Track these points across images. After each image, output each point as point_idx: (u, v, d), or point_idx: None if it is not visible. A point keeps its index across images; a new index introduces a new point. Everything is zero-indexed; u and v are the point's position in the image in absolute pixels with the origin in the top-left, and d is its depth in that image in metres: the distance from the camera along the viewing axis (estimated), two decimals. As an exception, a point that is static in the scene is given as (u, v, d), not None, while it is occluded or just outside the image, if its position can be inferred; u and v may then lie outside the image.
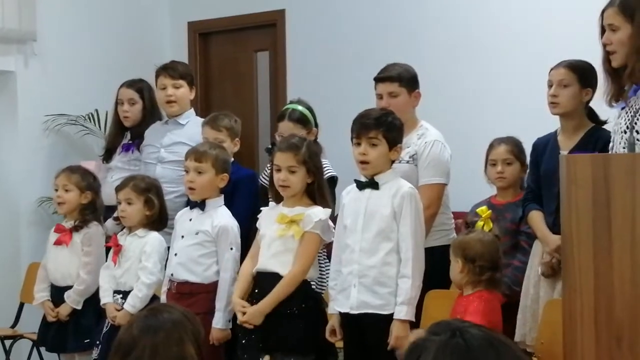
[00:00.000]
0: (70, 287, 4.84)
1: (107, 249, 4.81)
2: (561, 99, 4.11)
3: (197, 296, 4.31)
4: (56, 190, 4.92)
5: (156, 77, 5.26)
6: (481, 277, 3.76)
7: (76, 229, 4.88)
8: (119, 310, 4.48)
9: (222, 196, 4.46)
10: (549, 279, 4.06)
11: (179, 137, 5.09)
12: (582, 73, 4.10)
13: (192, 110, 5.33)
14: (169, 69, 5.22)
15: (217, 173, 4.40)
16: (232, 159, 4.87)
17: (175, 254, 4.40)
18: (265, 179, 4.78)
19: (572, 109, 4.12)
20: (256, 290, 4.03)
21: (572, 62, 4.16)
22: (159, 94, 5.25)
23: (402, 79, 4.50)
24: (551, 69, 4.21)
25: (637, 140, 3.32)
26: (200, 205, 4.41)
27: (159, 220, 4.61)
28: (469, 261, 3.77)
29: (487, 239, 3.85)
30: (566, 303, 3.13)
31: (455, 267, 3.80)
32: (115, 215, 4.82)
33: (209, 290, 4.31)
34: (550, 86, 4.16)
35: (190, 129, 5.10)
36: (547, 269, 4.04)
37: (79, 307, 4.81)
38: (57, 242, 4.89)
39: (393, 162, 3.96)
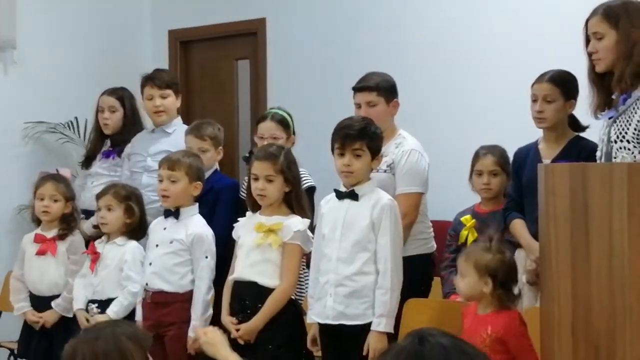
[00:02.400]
0: (55, 297, 4.80)
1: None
2: (547, 114, 4.10)
3: (172, 305, 4.29)
4: (42, 199, 4.86)
5: (142, 87, 5.24)
6: (508, 299, 3.60)
7: (61, 237, 4.85)
8: (88, 321, 4.45)
9: (197, 204, 4.45)
10: (533, 287, 4.06)
11: (166, 145, 5.04)
12: (565, 86, 4.10)
13: (179, 119, 5.30)
14: (155, 79, 5.19)
15: (190, 181, 4.38)
16: (217, 168, 4.87)
17: (150, 263, 4.37)
18: (243, 192, 4.78)
19: (557, 122, 4.13)
20: (245, 301, 4.02)
21: (554, 75, 4.13)
22: (147, 105, 5.22)
23: (380, 88, 4.49)
24: (534, 83, 4.18)
25: (619, 149, 3.34)
26: (175, 213, 4.40)
27: (138, 228, 4.58)
28: (500, 285, 3.58)
29: (512, 261, 3.69)
30: (544, 311, 3.14)
31: (479, 285, 3.57)
32: (94, 223, 4.80)
33: (185, 299, 4.29)
34: (534, 100, 4.16)
35: (177, 137, 5.05)
36: (531, 277, 4.03)
37: (70, 315, 4.74)
38: (41, 252, 4.84)
39: (372, 170, 3.96)
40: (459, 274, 3.68)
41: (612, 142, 3.36)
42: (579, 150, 4.03)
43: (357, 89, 4.54)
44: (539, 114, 4.13)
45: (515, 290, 3.64)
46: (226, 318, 4.04)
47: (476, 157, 4.54)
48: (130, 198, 4.58)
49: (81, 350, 2.46)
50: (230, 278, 4.08)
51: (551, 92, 4.10)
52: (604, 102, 3.54)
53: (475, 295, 3.63)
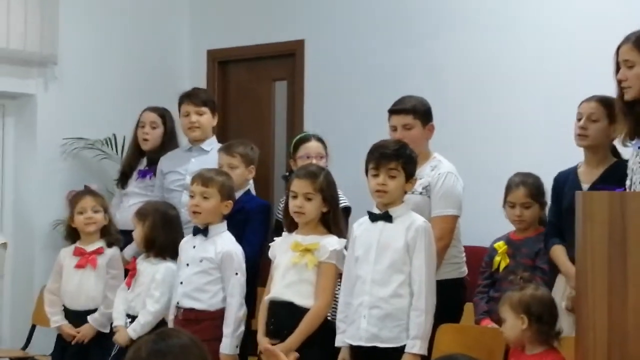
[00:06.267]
0: (90, 311, 4.83)
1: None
2: (590, 132, 4.13)
3: (203, 323, 4.28)
4: (83, 212, 4.90)
5: (179, 105, 5.30)
6: (549, 335, 3.60)
7: (109, 245, 4.91)
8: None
9: (225, 222, 4.45)
10: (572, 314, 4.01)
11: (205, 163, 4.98)
12: (612, 108, 4.08)
13: (214, 138, 5.35)
14: (192, 96, 5.27)
15: (222, 199, 4.40)
16: (248, 187, 4.88)
17: (181, 283, 4.38)
18: (280, 214, 4.78)
19: (598, 143, 4.14)
20: (272, 320, 4.04)
21: (603, 97, 4.14)
22: (183, 121, 5.28)
23: (417, 111, 4.49)
24: (582, 102, 4.22)
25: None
26: (204, 231, 4.40)
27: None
28: (536, 320, 3.58)
29: (546, 295, 3.71)
30: (579, 340, 3.11)
31: (517, 325, 3.59)
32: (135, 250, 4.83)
33: (215, 317, 4.30)
34: (579, 119, 4.17)
35: (215, 155, 5.08)
36: (572, 304, 3.99)
37: (106, 330, 4.77)
38: (80, 265, 4.87)
39: (405, 192, 3.96)
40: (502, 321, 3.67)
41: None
42: (620, 177, 3.99)
43: (394, 111, 4.55)
44: (582, 130, 4.13)
45: (557, 327, 3.63)
46: (262, 338, 4.04)
47: (509, 188, 4.51)
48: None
49: None
50: (267, 298, 4.09)
51: (596, 111, 4.12)
52: (634, 131, 3.53)
53: (517, 337, 3.62)
